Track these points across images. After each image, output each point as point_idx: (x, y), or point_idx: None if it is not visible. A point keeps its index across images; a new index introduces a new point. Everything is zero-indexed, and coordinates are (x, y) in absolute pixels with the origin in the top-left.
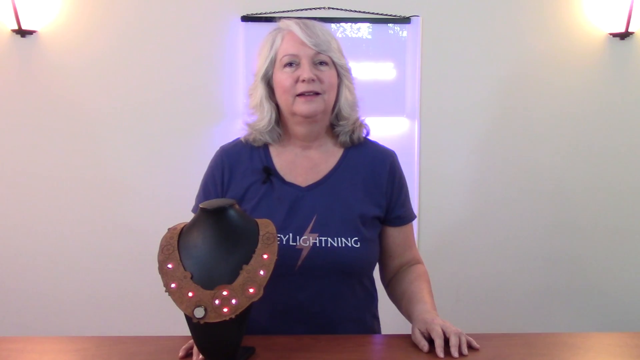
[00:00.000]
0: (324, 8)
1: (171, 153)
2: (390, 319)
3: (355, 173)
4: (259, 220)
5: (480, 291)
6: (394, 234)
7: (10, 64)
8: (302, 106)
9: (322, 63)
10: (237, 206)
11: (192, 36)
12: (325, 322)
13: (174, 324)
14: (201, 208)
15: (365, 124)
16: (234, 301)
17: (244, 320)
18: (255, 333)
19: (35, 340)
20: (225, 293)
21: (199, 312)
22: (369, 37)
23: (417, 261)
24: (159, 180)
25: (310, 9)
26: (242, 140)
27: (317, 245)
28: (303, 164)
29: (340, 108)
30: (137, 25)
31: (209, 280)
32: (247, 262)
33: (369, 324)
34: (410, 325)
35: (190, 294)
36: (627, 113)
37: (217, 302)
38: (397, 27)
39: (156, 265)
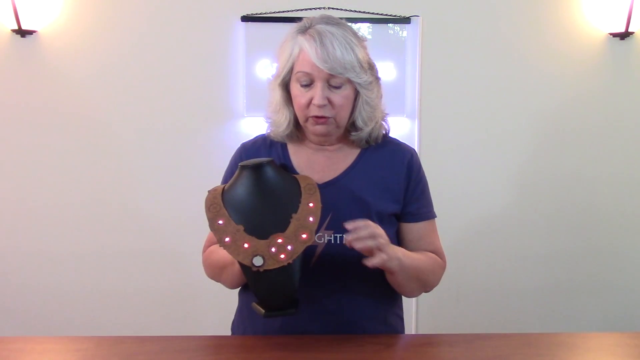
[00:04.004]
0: (323, 8)
1: (171, 153)
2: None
3: (373, 170)
4: (296, 175)
5: (480, 291)
6: (405, 229)
7: (10, 64)
8: (314, 127)
9: (336, 85)
10: (274, 162)
11: (192, 36)
12: (344, 321)
13: (175, 324)
14: (242, 166)
15: (385, 123)
16: (289, 247)
17: (299, 266)
18: (269, 333)
19: (35, 340)
20: (280, 241)
21: (257, 261)
22: (369, 37)
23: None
24: (157, 180)
25: (310, 9)
26: (265, 135)
27: (332, 242)
28: (320, 162)
29: (355, 120)
30: (137, 26)
31: (262, 231)
32: (295, 211)
33: (393, 324)
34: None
35: (246, 245)
36: (627, 113)
37: (273, 249)
38: (397, 27)
39: (156, 266)
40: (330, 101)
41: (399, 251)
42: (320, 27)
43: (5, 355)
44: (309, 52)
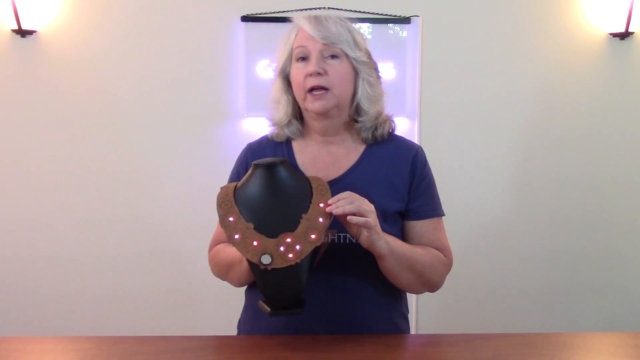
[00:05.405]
0: (323, 8)
1: (171, 153)
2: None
3: (378, 168)
4: (308, 176)
5: (480, 291)
6: (408, 227)
7: (10, 64)
8: (313, 104)
9: (332, 56)
10: (287, 162)
11: (192, 36)
12: (348, 320)
13: (174, 324)
14: (255, 164)
15: (392, 120)
16: (298, 247)
17: (307, 266)
18: (274, 332)
19: (35, 340)
20: (289, 240)
21: (265, 259)
22: (369, 37)
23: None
24: (158, 180)
25: (310, 9)
26: (268, 137)
27: (336, 241)
28: (325, 160)
29: (359, 102)
30: (137, 26)
31: (271, 230)
32: (305, 211)
33: (398, 323)
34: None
35: (255, 243)
36: (627, 113)
37: (282, 248)
38: (397, 27)
39: (158, 266)
40: (326, 71)
41: (388, 236)
42: (313, 14)
43: (5, 355)
44: (304, 26)
